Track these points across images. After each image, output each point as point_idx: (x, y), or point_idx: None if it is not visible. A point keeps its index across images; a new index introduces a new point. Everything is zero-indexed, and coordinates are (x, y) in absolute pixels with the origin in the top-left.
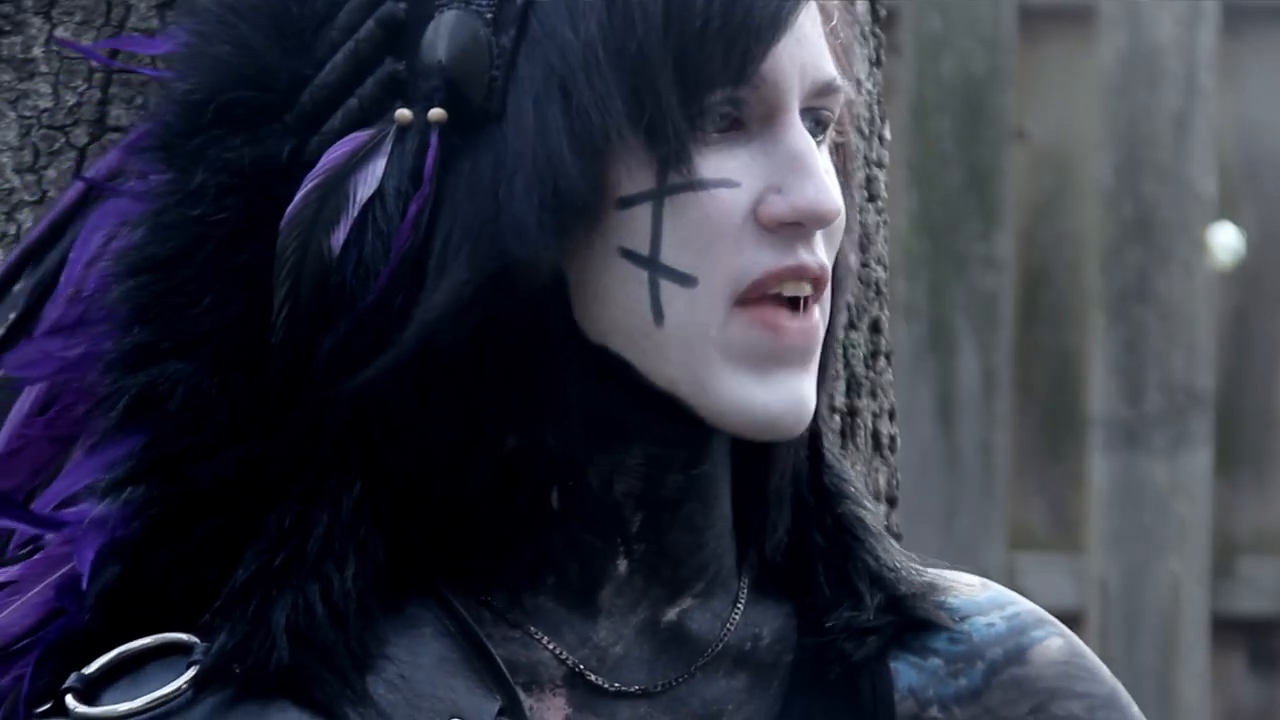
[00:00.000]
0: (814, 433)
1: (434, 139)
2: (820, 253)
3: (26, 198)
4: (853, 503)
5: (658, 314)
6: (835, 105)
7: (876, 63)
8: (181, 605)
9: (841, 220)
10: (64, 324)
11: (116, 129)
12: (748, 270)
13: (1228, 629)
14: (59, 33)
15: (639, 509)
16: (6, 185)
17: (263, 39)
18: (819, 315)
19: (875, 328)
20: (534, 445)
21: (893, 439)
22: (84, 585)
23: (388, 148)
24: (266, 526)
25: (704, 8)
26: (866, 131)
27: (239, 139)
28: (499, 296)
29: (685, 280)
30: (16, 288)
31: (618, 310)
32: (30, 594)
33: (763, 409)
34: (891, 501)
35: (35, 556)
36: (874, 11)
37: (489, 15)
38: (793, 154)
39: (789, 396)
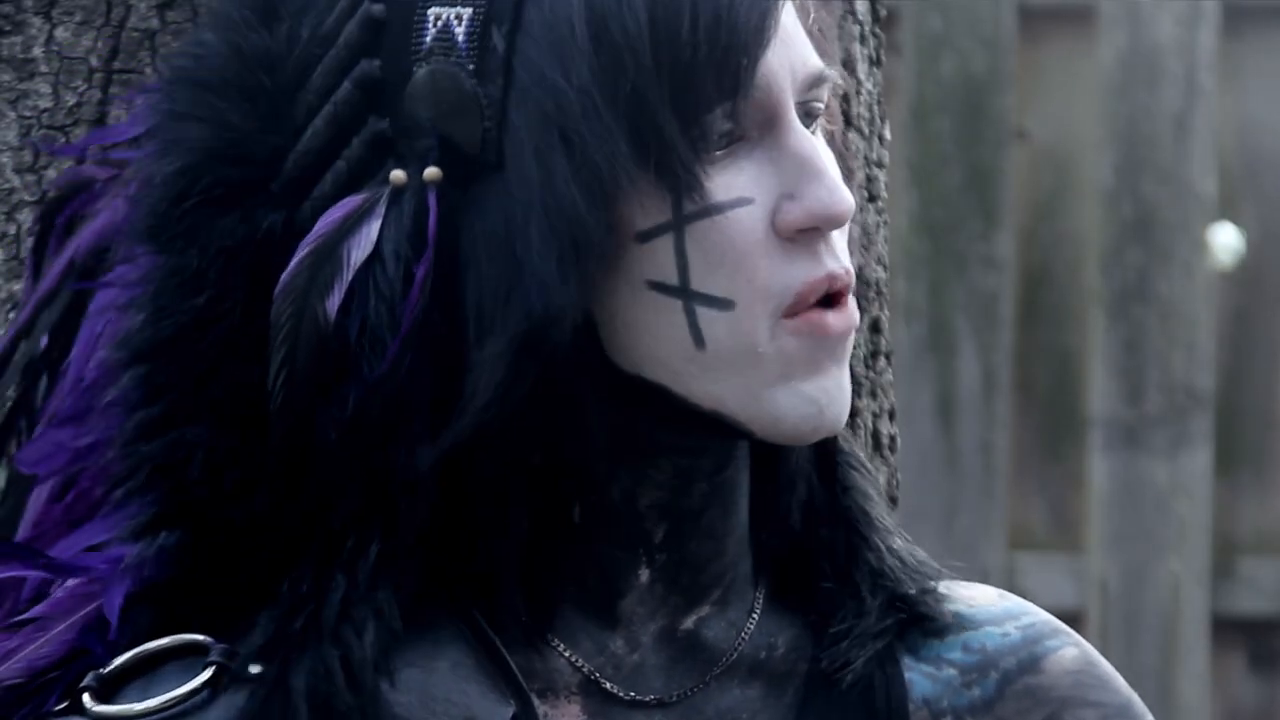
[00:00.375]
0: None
1: (432, 200)
2: (840, 252)
3: (26, 198)
4: (857, 493)
5: (698, 340)
6: (824, 95)
7: (876, 63)
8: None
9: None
10: (72, 414)
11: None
12: (786, 286)
13: (1228, 629)
14: (59, 33)
15: (664, 519)
16: (6, 185)
17: (236, 113)
18: (852, 303)
19: (875, 328)
20: (556, 463)
21: (893, 439)
22: (112, 625)
23: (382, 210)
24: (282, 589)
25: (690, 36)
26: (866, 131)
27: (229, 218)
28: (538, 352)
29: (722, 305)
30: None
31: (654, 341)
32: (54, 631)
33: (815, 409)
34: (892, 501)
35: (58, 595)
36: (874, 11)
37: (470, 67)
38: (800, 158)
39: (835, 388)
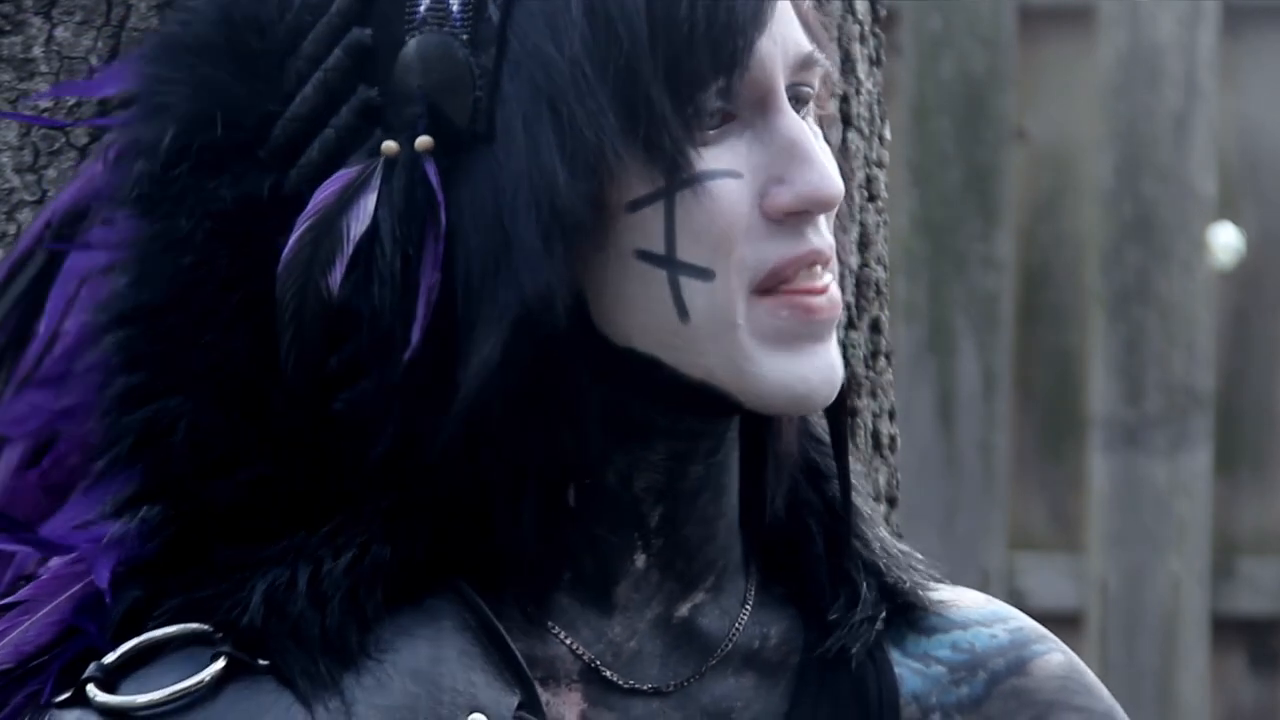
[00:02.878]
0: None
1: (430, 171)
2: (826, 233)
3: (26, 198)
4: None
5: (682, 311)
6: (815, 79)
7: (876, 63)
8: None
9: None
10: (50, 376)
11: None
12: (763, 261)
13: (1228, 629)
14: (59, 33)
15: (659, 503)
16: (6, 185)
17: (225, 76)
18: (835, 288)
19: (875, 328)
20: (551, 445)
21: (893, 439)
22: (108, 601)
23: (376, 182)
24: (275, 552)
25: (688, 13)
26: (866, 131)
27: (216, 183)
28: (533, 329)
29: (703, 274)
30: None
31: (642, 312)
32: (43, 612)
33: (803, 383)
34: (891, 501)
35: (44, 577)
36: (874, 11)
37: (464, 36)
38: (789, 141)
39: (825, 365)
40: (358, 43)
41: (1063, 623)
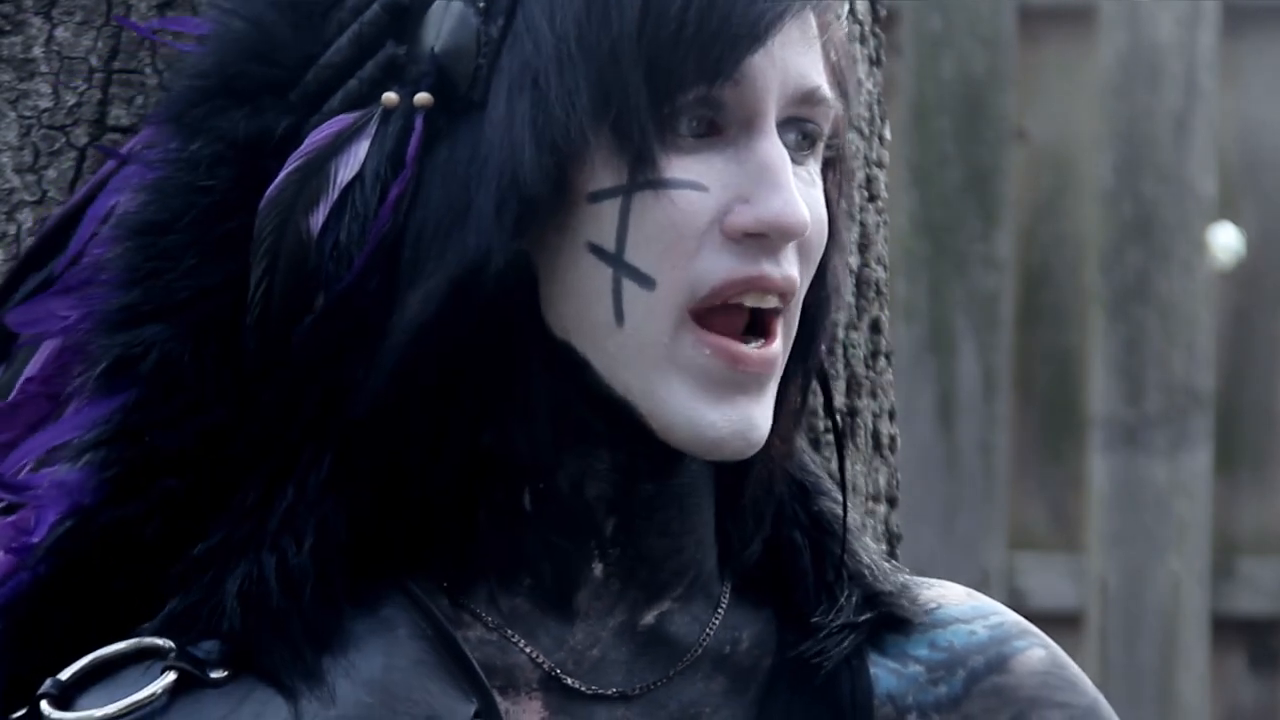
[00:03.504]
0: (787, 438)
1: (418, 123)
2: (788, 266)
3: (26, 198)
4: (829, 499)
5: (619, 314)
6: (822, 118)
7: (876, 63)
8: (128, 565)
9: (819, 238)
10: (71, 285)
11: (116, 129)
12: (705, 276)
13: (1228, 629)
14: (59, 33)
15: (611, 513)
16: (6, 185)
17: (277, 16)
18: (781, 338)
19: (875, 328)
20: (506, 445)
21: (893, 439)
22: (33, 540)
23: (372, 130)
24: (234, 500)
25: (680, 12)
26: (866, 131)
27: (240, 111)
28: (471, 293)
29: (645, 281)
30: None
31: (582, 306)
32: None
33: (710, 428)
34: (891, 501)
35: (5, 520)
36: (874, 11)
37: (481, 4)
38: (763, 165)
39: (741, 420)
40: (395, 0)
41: (1063, 623)
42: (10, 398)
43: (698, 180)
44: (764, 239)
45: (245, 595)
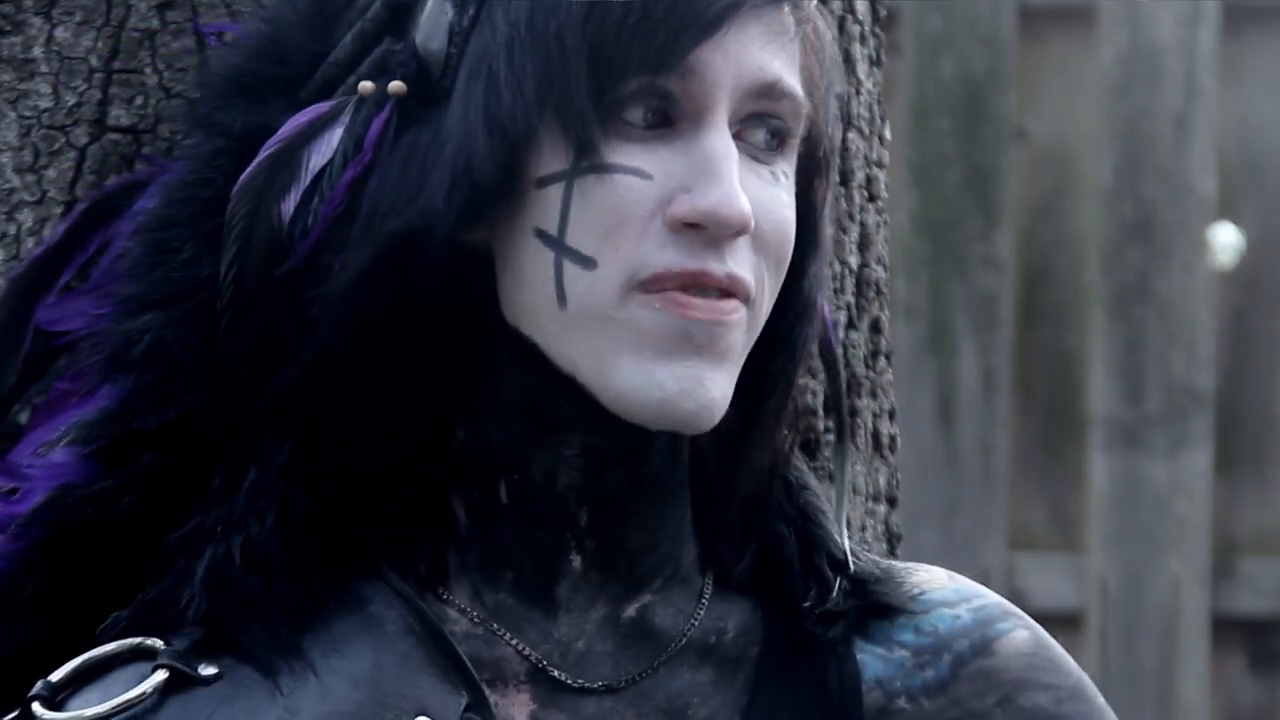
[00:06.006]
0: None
1: (387, 109)
2: (734, 264)
3: (26, 198)
4: (812, 493)
5: (561, 295)
6: (788, 114)
7: (876, 63)
8: (104, 537)
9: (777, 237)
10: (98, 284)
11: (116, 129)
12: (647, 262)
13: (1228, 629)
14: (59, 33)
15: (583, 503)
16: (6, 185)
17: (296, 19)
18: (737, 316)
19: (875, 328)
20: (480, 438)
21: (893, 439)
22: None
23: (346, 118)
24: (209, 487)
25: (625, 1)
26: (866, 131)
27: (248, 109)
28: (408, 267)
29: (585, 262)
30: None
31: (528, 291)
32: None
33: (657, 388)
34: (891, 501)
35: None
36: (874, 11)
37: None
38: (707, 156)
39: (689, 379)
40: None
41: (1063, 623)
42: (47, 397)
43: (641, 168)
44: (703, 231)
45: (212, 576)
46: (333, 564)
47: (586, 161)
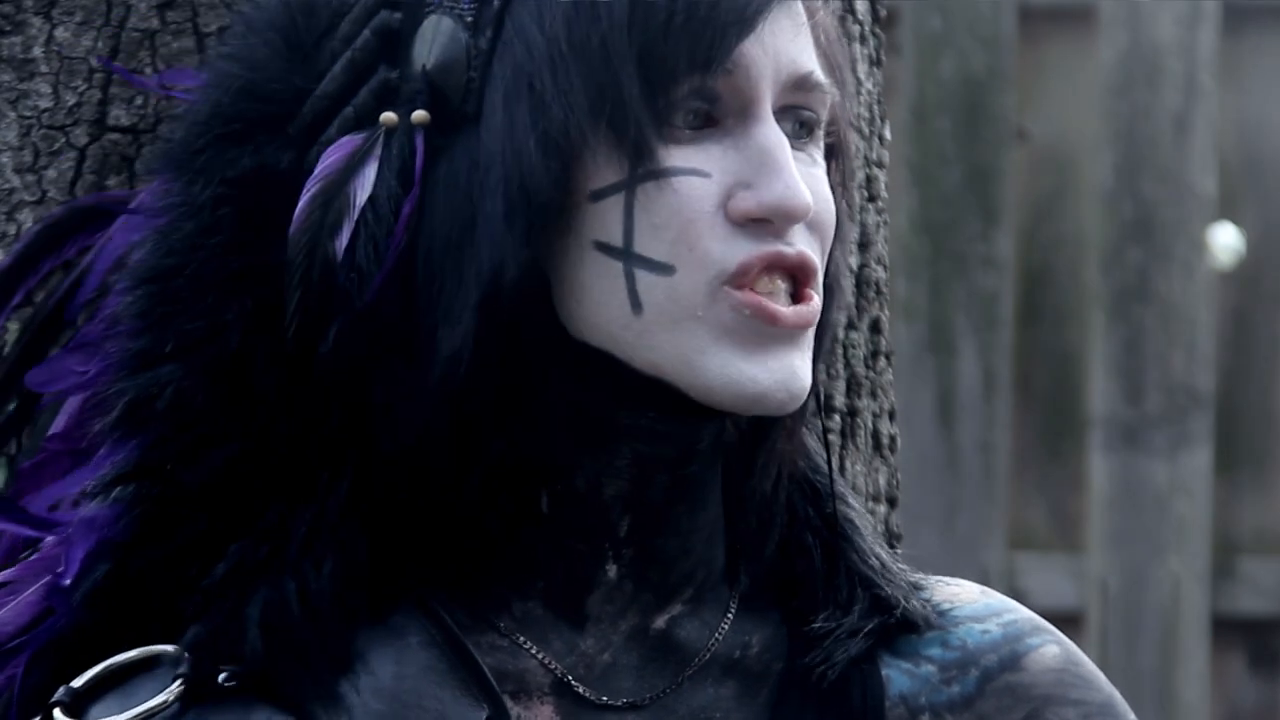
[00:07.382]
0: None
1: (419, 140)
2: (800, 244)
3: (26, 198)
4: (841, 502)
5: (636, 304)
6: (818, 105)
7: (876, 63)
8: (166, 604)
9: (828, 215)
10: (85, 341)
11: (116, 129)
12: (727, 258)
13: (1228, 629)
14: (59, 33)
15: (627, 512)
16: (6, 185)
17: (270, 54)
18: (816, 301)
19: (875, 328)
20: (522, 450)
21: (893, 439)
22: (65, 582)
23: (378, 151)
24: (253, 524)
25: (668, 3)
26: (866, 131)
27: (238, 152)
28: (494, 312)
29: (661, 269)
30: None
31: (596, 304)
32: (25, 594)
33: (751, 382)
34: (891, 501)
35: (33, 558)
36: (874, 11)
37: (469, 19)
38: (763, 150)
39: (782, 369)
40: (385, 25)
41: (1063, 623)
42: (34, 458)
43: (699, 168)
44: (768, 224)
45: (267, 622)
46: (376, 597)
47: (644, 168)
